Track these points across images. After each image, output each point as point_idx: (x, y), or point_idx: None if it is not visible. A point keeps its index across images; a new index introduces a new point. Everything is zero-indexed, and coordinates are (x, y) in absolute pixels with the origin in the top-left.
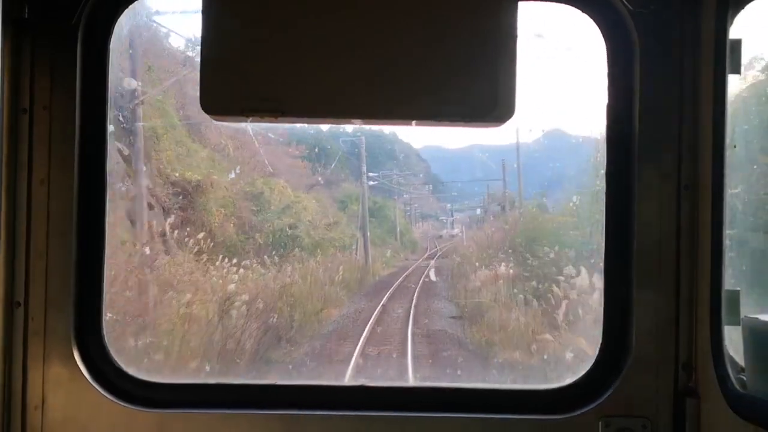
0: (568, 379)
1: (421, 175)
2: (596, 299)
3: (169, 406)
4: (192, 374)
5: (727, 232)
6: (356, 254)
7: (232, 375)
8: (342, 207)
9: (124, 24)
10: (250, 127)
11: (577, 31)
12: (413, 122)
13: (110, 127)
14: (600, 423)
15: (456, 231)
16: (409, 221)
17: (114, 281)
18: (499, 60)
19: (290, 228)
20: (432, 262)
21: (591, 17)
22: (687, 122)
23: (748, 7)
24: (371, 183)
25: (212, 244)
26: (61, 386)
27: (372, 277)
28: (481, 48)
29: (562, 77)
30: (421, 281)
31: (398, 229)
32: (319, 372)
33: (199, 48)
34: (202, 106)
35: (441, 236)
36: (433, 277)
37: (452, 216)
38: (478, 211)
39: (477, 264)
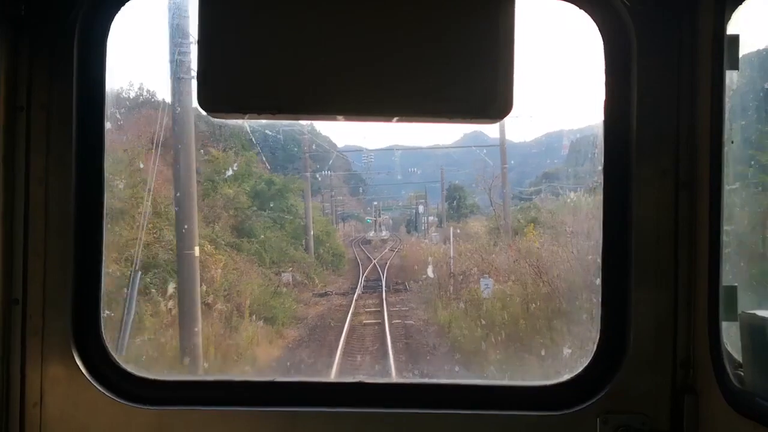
0: (566, 376)
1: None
2: None
3: (168, 404)
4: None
5: (725, 228)
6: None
7: None
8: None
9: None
10: None
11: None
12: (412, 119)
13: (107, 125)
14: (598, 419)
15: (385, 233)
16: (330, 219)
17: None
18: (498, 56)
19: None
20: (382, 306)
21: (589, 14)
22: (685, 119)
23: (746, 3)
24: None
25: None
26: (60, 384)
27: None
28: (480, 44)
29: None
30: None
31: (311, 233)
32: None
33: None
34: (199, 103)
35: (369, 241)
36: None
37: (380, 216)
38: (420, 207)
39: None
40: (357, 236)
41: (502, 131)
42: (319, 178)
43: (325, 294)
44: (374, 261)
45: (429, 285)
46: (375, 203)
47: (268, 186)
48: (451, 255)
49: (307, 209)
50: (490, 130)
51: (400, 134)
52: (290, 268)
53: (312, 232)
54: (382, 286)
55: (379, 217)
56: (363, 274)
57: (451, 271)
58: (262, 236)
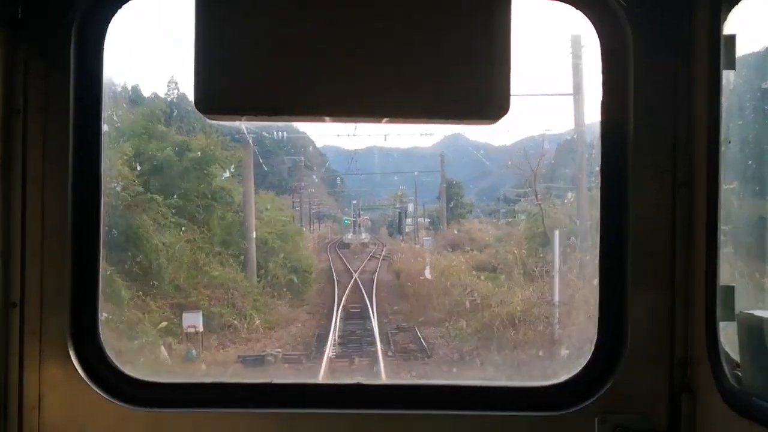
0: (565, 376)
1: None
2: None
3: (165, 406)
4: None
5: (723, 228)
6: None
7: None
8: None
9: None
10: None
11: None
12: (409, 120)
13: (104, 127)
14: (596, 419)
15: (365, 236)
16: (296, 214)
17: None
18: (494, 58)
19: None
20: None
21: (586, 15)
22: (682, 119)
23: (742, 3)
24: None
25: None
26: (58, 386)
27: None
28: (476, 46)
29: None
30: None
31: (253, 235)
32: None
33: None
34: (196, 105)
35: (348, 245)
36: None
37: (359, 215)
38: (410, 207)
39: None
40: (332, 238)
41: (577, 73)
42: (268, 146)
43: (262, 359)
44: (355, 275)
45: (483, 347)
46: (354, 202)
47: (179, 154)
48: (557, 285)
49: (246, 194)
50: (470, 131)
51: (381, 132)
52: (205, 301)
53: (254, 234)
54: (374, 334)
55: (359, 216)
56: (339, 305)
57: (555, 337)
58: (156, 242)
